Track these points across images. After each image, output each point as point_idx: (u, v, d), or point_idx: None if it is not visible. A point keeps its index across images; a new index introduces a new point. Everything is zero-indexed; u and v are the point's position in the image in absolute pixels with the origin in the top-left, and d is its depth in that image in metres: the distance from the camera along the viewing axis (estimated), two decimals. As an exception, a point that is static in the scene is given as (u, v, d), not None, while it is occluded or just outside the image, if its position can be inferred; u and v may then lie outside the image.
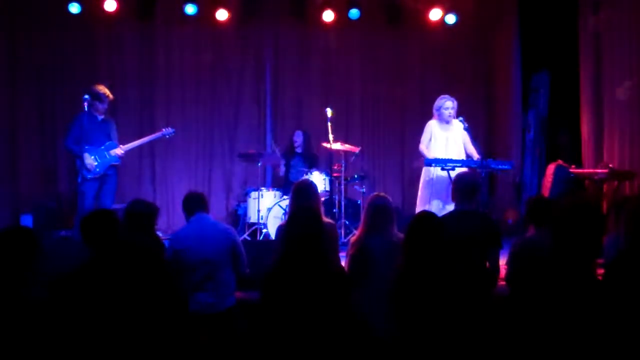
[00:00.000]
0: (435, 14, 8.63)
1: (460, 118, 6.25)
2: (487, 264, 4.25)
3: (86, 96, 6.35)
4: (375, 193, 4.26)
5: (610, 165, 6.88)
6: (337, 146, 7.18)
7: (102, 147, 6.49)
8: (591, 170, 7.14)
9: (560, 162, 7.53)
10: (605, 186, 7.00)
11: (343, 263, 4.08)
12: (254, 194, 7.55)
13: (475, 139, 6.43)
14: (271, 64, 8.95)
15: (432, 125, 6.42)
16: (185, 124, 8.67)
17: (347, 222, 7.21)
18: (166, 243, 4.34)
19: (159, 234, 6.58)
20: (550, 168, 7.56)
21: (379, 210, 4.00)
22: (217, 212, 8.35)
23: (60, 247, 6.45)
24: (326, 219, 4.52)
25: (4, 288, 2.92)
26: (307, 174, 7.42)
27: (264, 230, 7.22)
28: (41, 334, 2.88)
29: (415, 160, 7.48)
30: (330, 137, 6.96)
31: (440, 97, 6.45)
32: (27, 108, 8.28)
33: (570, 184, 7.28)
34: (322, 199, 5.69)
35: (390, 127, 9.17)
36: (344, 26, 8.74)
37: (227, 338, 4.05)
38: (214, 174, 8.88)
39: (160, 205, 8.03)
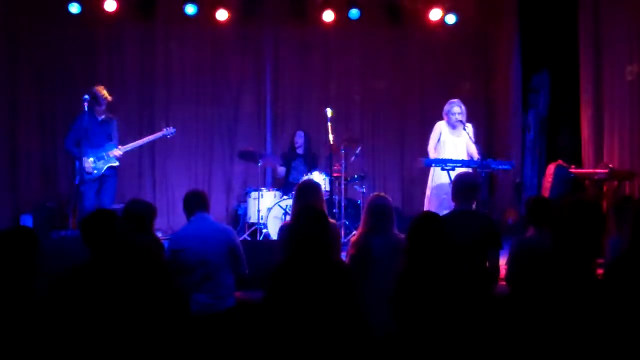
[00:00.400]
0: (435, 14, 8.63)
1: (467, 125, 6.29)
2: (487, 264, 4.25)
3: (86, 96, 6.35)
4: (375, 193, 4.26)
5: (610, 165, 6.88)
6: (337, 146, 7.16)
7: (101, 148, 6.49)
8: (591, 170, 7.14)
9: (560, 162, 7.52)
10: (605, 186, 6.99)
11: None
12: (254, 194, 7.55)
13: (475, 139, 6.43)
14: (271, 64, 8.95)
15: (442, 127, 6.44)
16: (185, 124, 8.66)
17: (347, 222, 7.21)
18: (165, 243, 4.34)
19: (159, 234, 6.60)
20: (550, 168, 7.56)
21: (379, 210, 4.00)
22: (217, 212, 8.34)
23: (60, 247, 6.45)
24: (330, 220, 4.53)
25: (6, 288, 2.92)
26: (307, 174, 7.42)
27: (264, 231, 7.22)
28: (42, 334, 2.88)
29: (415, 161, 7.47)
30: (330, 137, 6.96)
31: (449, 102, 6.47)
32: (27, 108, 8.28)
33: (570, 184, 7.28)
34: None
35: (390, 127, 9.17)
36: (344, 26, 8.74)
37: (226, 338, 4.05)
38: (214, 174, 8.88)
39: (160, 205, 8.04)
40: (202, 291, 4.11)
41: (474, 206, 4.54)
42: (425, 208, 6.33)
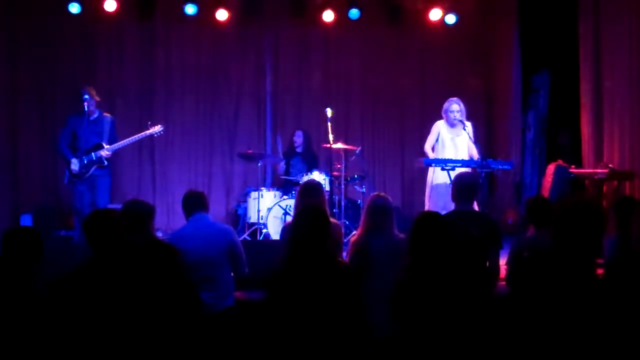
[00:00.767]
0: (435, 14, 8.63)
1: (467, 124, 6.28)
2: (487, 264, 4.25)
3: (86, 96, 6.35)
4: (375, 193, 4.26)
5: (610, 165, 6.88)
6: (337, 145, 7.17)
7: (89, 149, 6.44)
8: (591, 170, 7.15)
9: (560, 162, 7.53)
10: (605, 186, 7.00)
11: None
12: (254, 194, 7.55)
13: (475, 139, 6.44)
14: (271, 64, 8.95)
15: (440, 126, 6.44)
16: (185, 124, 8.67)
17: (347, 222, 7.21)
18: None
19: (159, 234, 6.60)
20: (550, 168, 7.56)
21: (379, 210, 4.00)
22: (217, 212, 8.34)
23: (60, 247, 6.46)
24: (332, 220, 4.53)
25: (9, 288, 2.92)
26: (307, 174, 7.43)
27: (264, 230, 7.22)
28: (45, 333, 2.88)
29: (414, 161, 7.48)
30: (330, 137, 6.96)
31: (448, 100, 6.47)
32: (27, 108, 8.28)
33: (570, 184, 7.28)
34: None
35: (390, 127, 9.17)
36: (344, 26, 8.73)
37: (226, 338, 4.05)
38: (213, 174, 8.87)
39: (159, 205, 8.06)
40: (201, 291, 4.11)
41: (474, 206, 4.54)
42: (426, 208, 6.33)
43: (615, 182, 6.89)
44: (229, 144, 8.87)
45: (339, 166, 7.29)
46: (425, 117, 6.63)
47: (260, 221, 7.25)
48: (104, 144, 6.46)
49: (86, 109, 6.37)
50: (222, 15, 8.42)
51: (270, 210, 7.23)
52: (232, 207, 8.77)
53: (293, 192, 7.26)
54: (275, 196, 7.48)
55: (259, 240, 7.07)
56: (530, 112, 8.83)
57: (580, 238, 2.53)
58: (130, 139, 6.71)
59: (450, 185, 4.73)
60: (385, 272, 3.64)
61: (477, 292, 3.06)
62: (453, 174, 5.76)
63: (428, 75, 9.08)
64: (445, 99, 6.62)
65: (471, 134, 6.28)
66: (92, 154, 6.42)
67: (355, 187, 7.79)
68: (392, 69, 9.07)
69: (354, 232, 6.25)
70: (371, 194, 4.31)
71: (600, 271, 2.78)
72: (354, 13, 8.50)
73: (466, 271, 3.21)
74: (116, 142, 6.57)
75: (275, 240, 6.41)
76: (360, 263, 3.87)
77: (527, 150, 8.80)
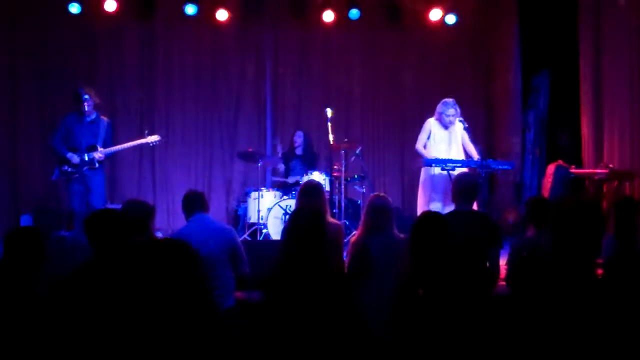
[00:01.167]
0: (435, 14, 8.64)
1: (460, 119, 6.24)
2: (487, 264, 4.25)
3: (85, 96, 6.34)
4: (375, 193, 4.26)
5: (610, 165, 6.88)
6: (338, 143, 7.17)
7: (83, 149, 6.41)
8: (591, 171, 7.15)
9: (560, 162, 7.52)
10: (605, 186, 7.00)
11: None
12: (254, 194, 7.54)
13: (475, 139, 6.43)
14: (271, 64, 8.95)
15: (432, 124, 6.38)
16: (185, 124, 8.68)
17: (347, 222, 7.21)
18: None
19: (159, 234, 6.60)
20: (550, 168, 7.56)
21: (379, 211, 4.01)
22: (217, 212, 8.34)
23: (60, 247, 6.45)
24: (333, 220, 4.53)
25: (15, 287, 2.92)
26: (307, 174, 7.43)
27: (264, 231, 7.22)
28: (48, 333, 2.88)
29: (415, 161, 7.48)
30: (331, 137, 6.96)
31: (444, 102, 6.34)
32: (27, 108, 8.27)
33: (570, 184, 7.28)
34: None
35: (390, 127, 9.17)
36: (344, 26, 8.74)
37: (226, 339, 4.04)
38: (214, 174, 8.87)
39: (159, 205, 8.06)
40: (202, 291, 4.11)
41: (474, 206, 4.54)
42: (419, 206, 6.33)
43: (615, 182, 6.89)
44: (229, 144, 8.88)
45: (338, 166, 7.29)
46: (425, 117, 6.60)
47: (261, 221, 7.25)
48: (98, 147, 6.45)
49: (85, 109, 6.36)
50: (222, 15, 8.43)
51: (270, 210, 7.23)
52: (232, 207, 8.77)
53: (293, 192, 7.26)
54: (275, 196, 7.47)
55: (259, 240, 7.07)
56: (530, 112, 8.83)
57: (580, 238, 2.53)
58: (125, 145, 6.67)
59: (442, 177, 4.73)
60: (385, 272, 3.65)
61: (477, 292, 3.06)
62: (453, 174, 5.76)
63: (428, 75, 9.08)
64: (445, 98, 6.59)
65: (465, 124, 6.21)
66: (85, 154, 6.41)
67: (355, 187, 7.79)
68: (392, 69, 9.08)
69: (354, 232, 6.25)
70: (371, 194, 4.31)
71: (599, 271, 2.78)
72: (354, 13, 8.50)
73: (467, 271, 3.21)
74: (110, 145, 6.54)
75: (276, 241, 6.41)
76: (360, 263, 3.87)
77: (527, 150, 8.80)
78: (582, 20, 7.61)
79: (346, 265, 4.06)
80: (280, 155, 8.28)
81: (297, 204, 4.52)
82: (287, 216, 7.01)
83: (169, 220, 8.48)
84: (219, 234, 4.26)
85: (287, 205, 7.16)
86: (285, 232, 3.32)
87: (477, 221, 4.29)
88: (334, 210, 6.97)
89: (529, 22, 8.42)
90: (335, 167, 7.24)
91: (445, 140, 6.32)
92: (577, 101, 7.72)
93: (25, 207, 7.95)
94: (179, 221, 7.50)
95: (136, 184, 8.58)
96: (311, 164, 7.89)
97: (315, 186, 4.56)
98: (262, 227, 7.24)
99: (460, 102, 6.46)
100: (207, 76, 8.81)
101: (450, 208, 6.01)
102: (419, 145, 6.39)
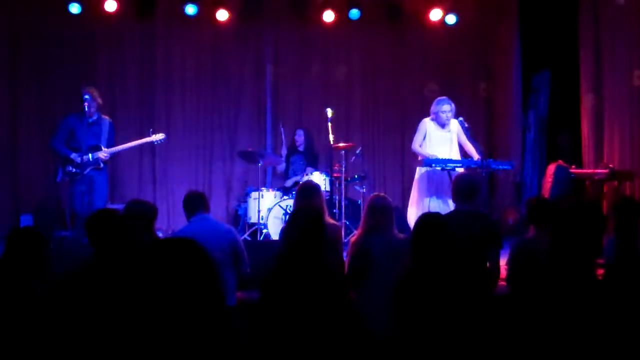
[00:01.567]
0: (435, 14, 8.63)
1: (460, 118, 6.24)
2: (488, 264, 4.25)
3: (87, 96, 6.34)
4: (375, 193, 4.27)
5: (610, 165, 6.89)
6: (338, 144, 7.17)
7: (86, 150, 6.42)
8: (591, 171, 7.15)
9: (560, 162, 7.52)
10: (605, 186, 7.00)
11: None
12: (254, 194, 7.55)
13: (475, 139, 6.42)
14: (271, 64, 8.95)
15: (427, 124, 6.39)
16: (185, 124, 8.68)
17: (347, 222, 7.21)
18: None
19: (159, 234, 6.60)
20: (551, 168, 7.56)
21: (379, 211, 4.01)
22: (217, 212, 8.34)
23: (60, 248, 6.46)
24: (331, 221, 4.53)
25: (14, 288, 2.93)
26: (307, 174, 7.42)
27: (264, 231, 7.22)
28: (49, 333, 2.88)
29: (415, 161, 7.49)
30: (331, 137, 6.96)
31: (438, 101, 6.38)
32: (27, 108, 8.27)
33: (571, 184, 7.28)
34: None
35: (390, 127, 9.17)
36: (344, 26, 8.73)
37: (227, 338, 4.04)
38: (214, 174, 8.88)
39: (160, 205, 8.04)
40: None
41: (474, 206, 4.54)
42: (411, 203, 6.37)
43: (616, 183, 6.89)
44: (229, 143, 8.88)
45: (338, 166, 7.29)
46: (425, 117, 6.61)
47: (261, 221, 7.25)
48: (102, 147, 6.46)
49: (86, 109, 6.36)
50: (222, 15, 8.43)
51: (270, 210, 7.23)
52: (232, 207, 8.78)
53: (293, 192, 7.26)
54: (275, 196, 7.48)
55: (259, 240, 7.07)
56: (530, 112, 8.83)
57: (580, 238, 2.53)
58: (130, 144, 6.71)
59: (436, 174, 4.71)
60: (385, 272, 3.65)
61: (477, 292, 3.06)
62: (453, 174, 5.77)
63: (428, 75, 9.07)
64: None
65: (465, 125, 6.22)
66: (90, 154, 6.41)
67: (356, 187, 7.79)
68: (392, 69, 9.07)
69: (354, 232, 6.26)
70: (371, 194, 4.31)
71: (600, 271, 2.79)
72: (354, 13, 8.50)
73: (468, 271, 3.21)
74: (113, 145, 6.56)
75: (276, 241, 6.41)
76: (360, 263, 3.87)
77: (527, 150, 8.80)
78: (582, 20, 7.61)
79: (346, 265, 4.06)
80: (283, 148, 8.27)
81: (295, 205, 4.52)
82: (287, 216, 7.03)
83: (169, 220, 8.48)
84: (221, 234, 4.27)
85: (287, 206, 7.16)
86: (284, 232, 3.32)
87: (477, 221, 4.29)
88: (334, 210, 6.97)
89: (529, 22, 8.42)
90: (335, 167, 7.24)
91: (443, 140, 6.32)
92: (577, 101, 7.72)
93: (25, 207, 7.95)
94: (180, 221, 7.51)
95: (136, 183, 8.58)
96: (311, 161, 7.89)
97: (313, 187, 4.57)
98: (263, 227, 7.24)
99: (460, 102, 6.48)
100: (207, 76, 8.81)
101: (443, 202, 6.05)
102: (415, 145, 6.40)
